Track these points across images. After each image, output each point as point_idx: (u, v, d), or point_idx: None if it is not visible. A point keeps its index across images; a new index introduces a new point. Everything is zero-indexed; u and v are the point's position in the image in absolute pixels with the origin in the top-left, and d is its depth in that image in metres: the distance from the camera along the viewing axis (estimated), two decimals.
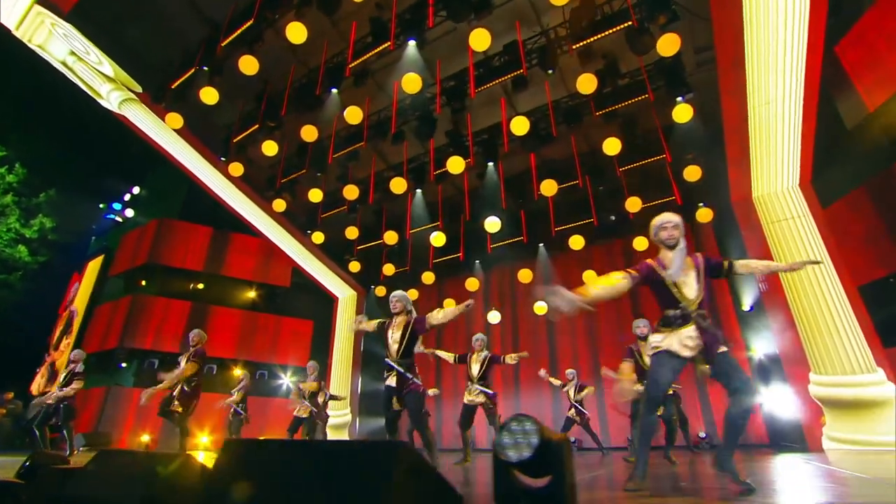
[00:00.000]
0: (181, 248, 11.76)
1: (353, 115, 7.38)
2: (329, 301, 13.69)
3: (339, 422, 11.87)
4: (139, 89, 9.11)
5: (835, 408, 6.86)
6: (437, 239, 9.15)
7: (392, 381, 4.04)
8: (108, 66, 8.68)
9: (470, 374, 6.23)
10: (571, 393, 8.39)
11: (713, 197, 8.75)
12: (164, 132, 9.69)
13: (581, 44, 6.71)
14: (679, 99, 7.09)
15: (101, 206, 17.50)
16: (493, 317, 10.58)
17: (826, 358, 7.13)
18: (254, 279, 12.34)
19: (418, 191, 9.97)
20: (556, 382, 8.58)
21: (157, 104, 9.12)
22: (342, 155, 9.26)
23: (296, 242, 11.89)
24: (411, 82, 6.74)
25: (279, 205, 10.16)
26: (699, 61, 8.04)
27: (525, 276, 9.42)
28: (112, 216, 16.86)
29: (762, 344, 8.35)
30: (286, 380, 12.12)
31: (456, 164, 7.65)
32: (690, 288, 2.71)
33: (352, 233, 10.56)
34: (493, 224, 8.60)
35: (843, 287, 7.26)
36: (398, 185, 8.37)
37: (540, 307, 10.09)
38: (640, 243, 9.09)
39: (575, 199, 9.99)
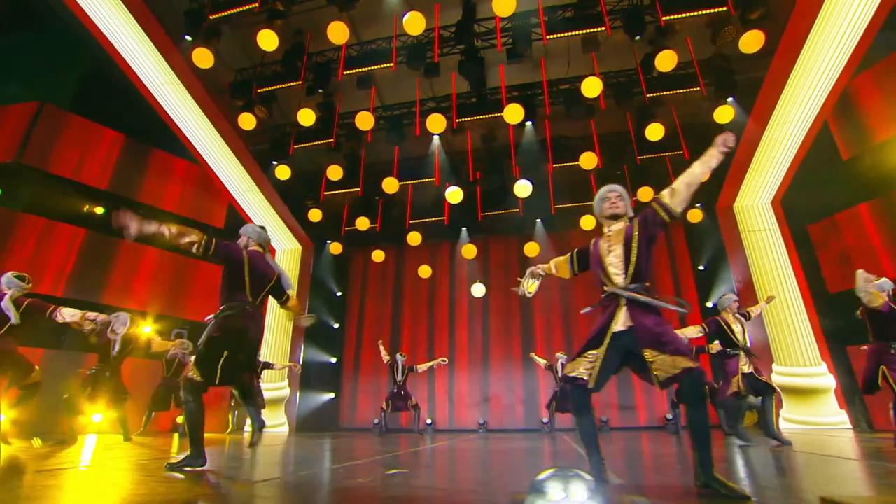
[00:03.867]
0: (74, 153, 8.38)
1: (415, 23, 5.97)
2: None
3: (274, 396, 10.04)
4: None
5: (790, 394, 8.00)
6: (454, 195, 8.14)
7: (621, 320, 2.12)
8: None
9: (735, 341, 4.68)
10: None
11: (702, 200, 9.46)
12: None
13: (673, 17, 6.46)
14: (730, 99, 7.37)
15: None
16: (478, 290, 9.98)
17: (786, 351, 8.29)
18: (178, 212, 9.50)
19: (435, 137, 8.75)
20: (542, 362, 8.48)
21: None
22: (357, 74, 7.58)
23: (245, 174, 9.53)
24: (504, 4, 5.68)
25: (247, 121, 7.93)
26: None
27: (531, 249, 9.02)
28: None
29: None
30: None
31: (514, 114, 6.78)
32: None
33: (334, 172, 8.83)
34: (523, 188, 7.95)
35: (802, 294, 8.52)
36: (436, 123, 7.14)
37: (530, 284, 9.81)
38: None
39: (575, 179, 9.89)
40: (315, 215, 10.12)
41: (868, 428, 7.38)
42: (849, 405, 7.74)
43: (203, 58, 6.95)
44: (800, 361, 8.15)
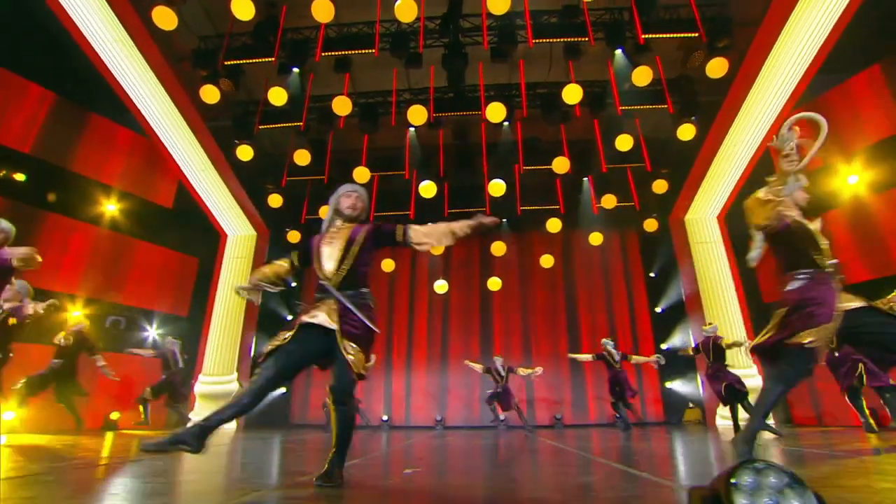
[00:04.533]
0: None
1: (407, 10, 5.80)
2: (214, 237, 10.66)
3: (219, 390, 9.41)
4: None
5: None
6: (427, 189, 8.03)
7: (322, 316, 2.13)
8: None
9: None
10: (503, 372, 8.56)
11: (657, 211, 10.08)
12: None
13: (651, 35, 6.79)
14: (693, 118, 7.89)
15: None
16: (441, 286, 9.95)
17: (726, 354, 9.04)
18: (120, 187, 8.55)
19: (411, 129, 8.56)
20: (478, 367, 8.69)
21: None
22: (335, 56, 7.24)
23: (202, 151, 8.80)
24: (499, 1, 5.67)
25: (210, 94, 7.34)
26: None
27: (498, 248, 9.12)
28: None
29: (676, 339, 10.07)
30: (152, 332, 8.85)
31: (496, 112, 6.81)
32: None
33: (302, 157, 8.41)
34: (497, 186, 8.02)
35: (739, 303, 9.34)
36: (417, 115, 6.99)
37: (494, 282, 9.97)
38: (595, 238, 9.85)
39: (541, 182, 10.13)
40: (275, 201, 9.60)
41: (788, 423, 8.26)
42: None
43: (165, 18, 6.32)
44: (735, 364, 8.91)
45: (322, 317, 2.09)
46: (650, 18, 7.06)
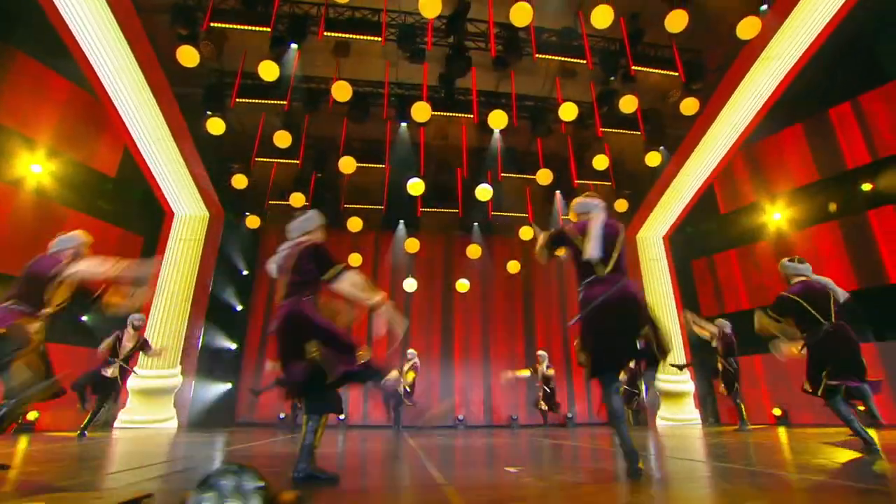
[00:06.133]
0: None
1: (432, 5, 5.71)
2: (160, 214, 9.53)
3: (159, 385, 8.43)
4: None
5: (666, 397, 9.75)
6: (415, 187, 7.91)
7: None
8: None
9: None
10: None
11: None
12: None
13: (640, 68, 7.39)
14: (661, 148, 8.70)
15: None
16: (409, 285, 9.86)
17: (664, 363, 10.06)
18: (49, 144, 7.25)
19: (403, 124, 8.36)
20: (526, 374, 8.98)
21: None
22: (339, 38, 6.88)
23: (161, 119, 7.83)
24: (522, 14, 5.82)
25: (188, 56, 6.61)
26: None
27: (474, 251, 9.26)
28: None
29: None
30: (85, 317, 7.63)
31: (498, 119, 6.94)
32: None
33: (282, 139, 7.85)
34: (484, 191, 8.15)
35: (678, 316, 10.44)
36: (420, 111, 6.87)
37: (462, 284, 10.10)
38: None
39: (511, 190, 10.48)
40: (240, 182, 8.86)
41: (715, 422, 9.43)
42: (702, 405, 9.78)
43: None
44: (673, 371, 9.97)
45: None
46: (635, 52, 7.67)
